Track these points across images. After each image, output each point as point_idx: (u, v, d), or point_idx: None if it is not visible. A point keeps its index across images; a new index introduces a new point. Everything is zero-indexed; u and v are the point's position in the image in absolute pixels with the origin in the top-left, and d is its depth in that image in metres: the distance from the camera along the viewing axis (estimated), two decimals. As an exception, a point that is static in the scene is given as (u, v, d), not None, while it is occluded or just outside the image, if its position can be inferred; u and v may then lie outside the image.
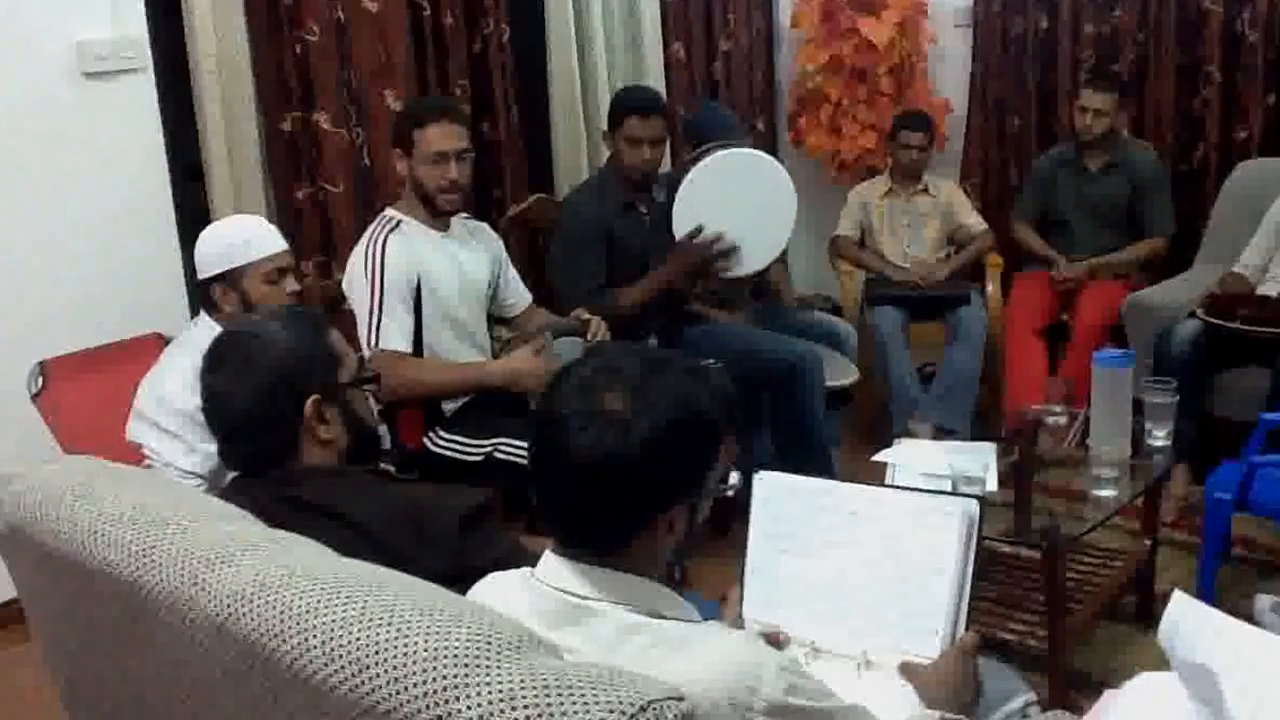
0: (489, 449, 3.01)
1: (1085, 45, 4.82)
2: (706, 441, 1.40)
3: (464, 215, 3.26)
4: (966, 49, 5.13)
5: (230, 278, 2.60)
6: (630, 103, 3.65)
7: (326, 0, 3.60)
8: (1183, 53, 4.65)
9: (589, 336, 3.21)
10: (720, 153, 3.58)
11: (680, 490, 1.38)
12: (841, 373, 3.90)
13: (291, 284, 2.66)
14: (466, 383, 3.09)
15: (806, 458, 3.55)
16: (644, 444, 1.31)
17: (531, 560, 1.44)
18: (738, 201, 3.56)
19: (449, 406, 3.13)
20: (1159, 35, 4.67)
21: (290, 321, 1.97)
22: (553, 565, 1.39)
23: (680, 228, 3.54)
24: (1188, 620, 1.23)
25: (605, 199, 3.67)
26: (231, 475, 1.95)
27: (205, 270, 2.64)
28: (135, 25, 3.29)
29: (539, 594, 1.38)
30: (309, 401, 1.85)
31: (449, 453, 3.06)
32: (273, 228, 2.73)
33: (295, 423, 1.86)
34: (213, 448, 2.40)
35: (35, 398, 2.81)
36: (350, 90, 3.69)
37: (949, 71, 5.21)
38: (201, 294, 2.69)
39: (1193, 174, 4.70)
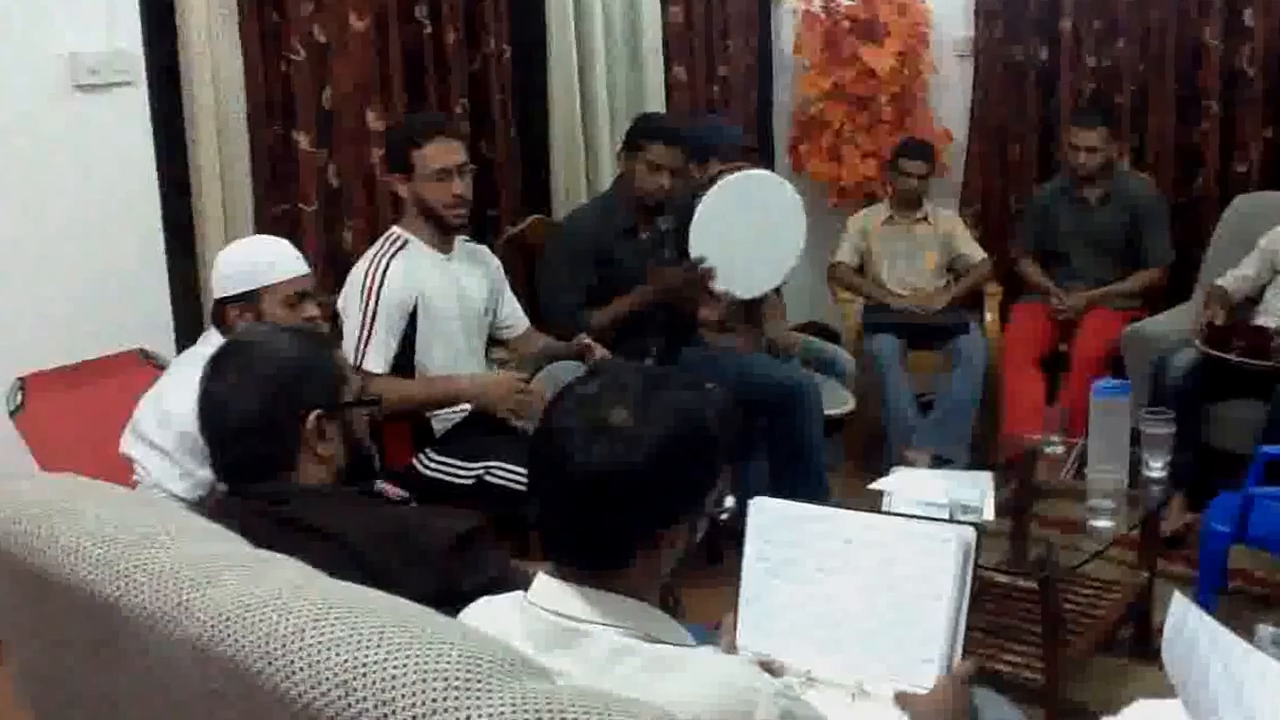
0: (480, 472, 2.98)
1: (1085, 76, 4.84)
2: (709, 457, 1.40)
3: (464, 237, 3.24)
4: (967, 78, 5.14)
5: (249, 299, 2.54)
6: (658, 129, 3.63)
7: (310, 20, 3.57)
8: (1182, 85, 4.66)
9: (590, 361, 3.15)
10: (748, 170, 3.62)
11: (682, 506, 1.38)
12: (836, 400, 3.89)
13: (310, 308, 2.60)
14: (433, 397, 3.05)
15: (803, 484, 3.53)
16: (649, 458, 1.31)
17: (523, 583, 1.42)
18: (753, 221, 3.58)
19: (440, 428, 3.10)
20: (1159, 68, 4.68)
21: (298, 335, 2.00)
22: (547, 587, 1.38)
23: (697, 235, 3.52)
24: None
25: (608, 219, 3.65)
26: (217, 495, 1.93)
27: (224, 290, 2.57)
28: (129, 38, 3.26)
29: (531, 616, 1.36)
30: (311, 416, 1.83)
31: (440, 475, 3.03)
32: (295, 250, 2.67)
33: (292, 434, 1.83)
34: (206, 473, 2.39)
35: (13, 414, 2.77)
36: (324, 110, 3.65)
37: (950, 100, 5.23)
38: (215, 312, 2.63)
39: (1191, 206, 4.70)
